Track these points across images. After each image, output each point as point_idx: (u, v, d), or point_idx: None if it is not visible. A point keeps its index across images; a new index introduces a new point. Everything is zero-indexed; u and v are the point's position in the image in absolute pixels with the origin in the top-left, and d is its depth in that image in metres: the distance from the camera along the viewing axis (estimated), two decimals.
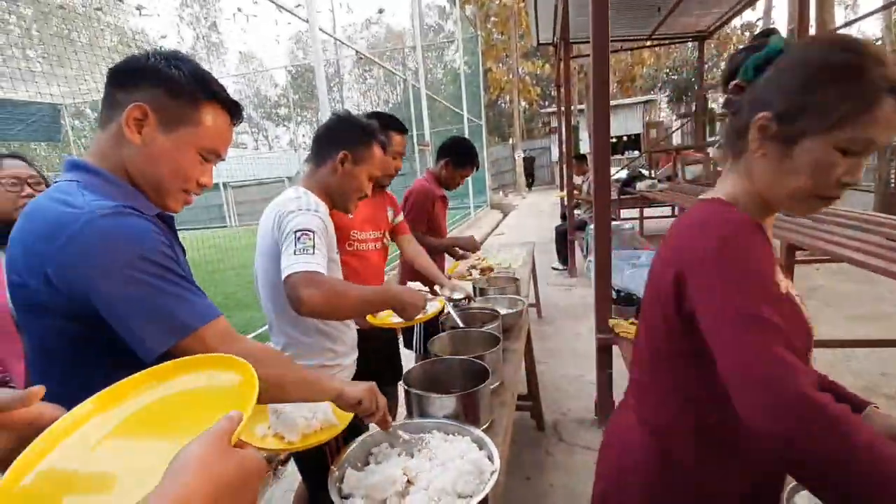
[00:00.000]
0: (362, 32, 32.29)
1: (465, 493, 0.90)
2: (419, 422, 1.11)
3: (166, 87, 0.81)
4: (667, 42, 8.25)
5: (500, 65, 20.17)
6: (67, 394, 0.62)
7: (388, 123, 1.97)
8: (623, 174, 6.95)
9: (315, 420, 1.10)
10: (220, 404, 0.55)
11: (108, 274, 0.70)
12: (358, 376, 1.60)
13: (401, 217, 2.16)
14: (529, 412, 2.57)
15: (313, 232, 1.20)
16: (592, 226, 3.87)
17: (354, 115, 1.50)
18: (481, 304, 2.01)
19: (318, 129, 1.48)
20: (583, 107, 15.45)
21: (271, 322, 1.44)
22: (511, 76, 19.59)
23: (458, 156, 2.53)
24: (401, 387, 1.23)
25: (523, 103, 21.62)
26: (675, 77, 19.62)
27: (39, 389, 0.56)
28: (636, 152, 15.59)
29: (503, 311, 1.85)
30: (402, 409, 1.65)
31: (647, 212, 6.88)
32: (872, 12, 3.89)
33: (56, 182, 0.79)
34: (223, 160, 0.91)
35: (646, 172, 7.33)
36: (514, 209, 13.95)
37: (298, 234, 1.18)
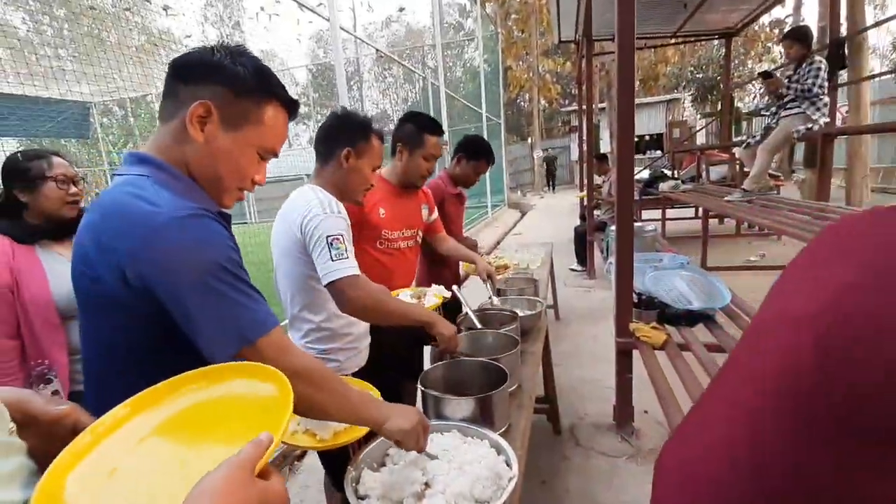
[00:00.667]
0: (382, 31, 32.43)
1: (482, 499, 0.88)
2: (437, 423, 1.09)
3: (231, 84, 0.80)
4: (692, 39, 8.06)
5: (521, 62, 20.01)
6: (122, 387, 0.64)
7: (424, 125, 1.93)
8: (645, 174, 6.82)
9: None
10: (253, 418, 0.55)
11: (182, 276, 0.70)
12: (383, 371, 1.62)
13: (435, 215, 2.16)
14: (546, 415, 2.53)
15: (343, 235, 1.31)
16: (613, 227, 3.80)
17: (351, 111, 1.55)
18: (499, 304, 1.99)
19: (319, 129, 1.53)
20: (604, 105, 15.23)
21: (292, 313, 1.50)
22: (531, 74, 19.43)
23: (470, 150, 2.49)
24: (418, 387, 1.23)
25: (543, 102, 21.41)
26: (700, 75, 19.17)
27: (72, 411, 0.60)
28: (658, 152, 15.32)
29: (521, 313, 1.82)
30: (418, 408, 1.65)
31: (670, 213, 6.74)
32: None
33: (121, 175, 0.79)
34: (277, 158, 0.91)
35: (668, 173, 7.18)
36: (532, 209, 13.84)
37: (330, 239, 1.28)
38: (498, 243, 8.62)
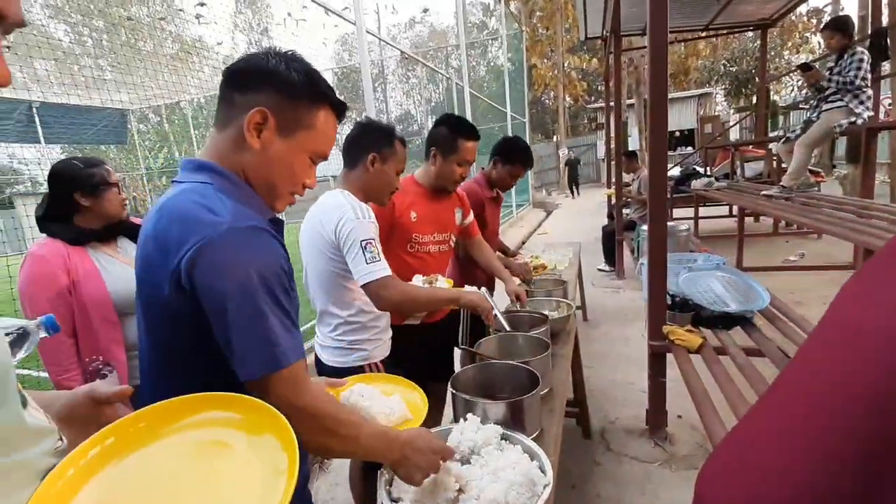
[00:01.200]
0: (406, 32, 32.62)
1: None
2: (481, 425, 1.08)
3: (286, 91, 0.81)
4: (725, 32, 7.80)
5: (545, 60, 19.79)
6: (173, 387, 0.66)
7: (458, 129, 1.89)
8: (676, 172, 6.64)
9: (393, 415, 1.06)
10: (258, 482, 0.55)
11: (230, 288, 0.70)
12: (415, 372, 1.63)
13: (470, 218, 2.14)
14: (575, 419, 2.49)
15: (374, 239, 1.42)
16: (644, 226, 3.71)
17: (375, 119, 1.65)
18: (528, 307, 1.96)
19: (346, 138, 1.60)
20: (632, 101, 14.92)
21: (322, 309, 1.57)
22: (556, 72, 19.19)
23: (507, 153, 2.45)
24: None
25: (568, 99, 21.11)
26: (734, 68, 18.50)
27: (129, 389, 0.63)
28: (690, 148, 14.89)
29: (551, 315, 1.80)
30: (447, 410, 1.65)
31: (702, 211, 6.54)
32: None
33: (182, 182, 0.81)
34: (327, 160, 0.92)
35: (701, 170, 6.97)
36: (558, 208, 13.68)
37: (364, 243, 1.38)
38: (523, 243, 8.55)
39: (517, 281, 2.22)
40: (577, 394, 2.45)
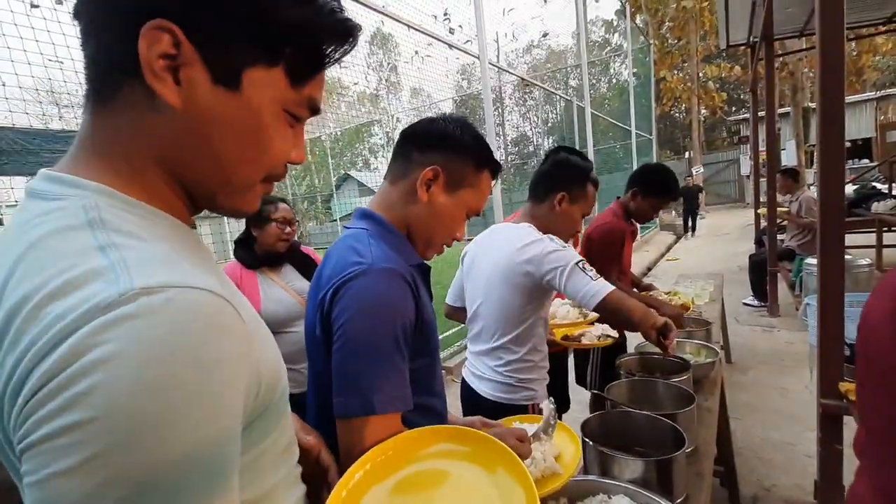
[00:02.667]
0: (524, 56, 32.89)
1: None
2: (605, 482, 0.99)
3: (458, 153, 0.90)
4: None
5: (676, 72, 18.34)
6: (317, 418, 0.74)
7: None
8: (848, 190, 5.57)
9: (543, 468, 0.97)
10: None
11: (353, 317, 0.75)
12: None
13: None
14: (720, 479, 2.17)
15: (584, 259, 1.36)
16: (809, 258, 3.15)
17: (571, 157, 1.56)
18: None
19: (536, 171, 1.57)
20: (786, 110, 13.05)
21: (497, 343, 1.48)
22: (689, 83, 17.65)
23: (648, 185, 2.19)
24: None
25: (704, 112, 19.22)
26: None
27: (316, 445, 0.70)
28: (865, 161, 12.51)
29: (693, 360, 1.60)
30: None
31: (886, 238, 5.33)
32: None
33: (349, 227, 0.91)
34: (479, 216, 1.00)
35: (882, 187, 5.76)
36: (689, 230, 12.38)
37: (580, 264, 1.34)
38: (649, 269, 7.88)
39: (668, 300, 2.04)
40: (722, 450, 2.13)
